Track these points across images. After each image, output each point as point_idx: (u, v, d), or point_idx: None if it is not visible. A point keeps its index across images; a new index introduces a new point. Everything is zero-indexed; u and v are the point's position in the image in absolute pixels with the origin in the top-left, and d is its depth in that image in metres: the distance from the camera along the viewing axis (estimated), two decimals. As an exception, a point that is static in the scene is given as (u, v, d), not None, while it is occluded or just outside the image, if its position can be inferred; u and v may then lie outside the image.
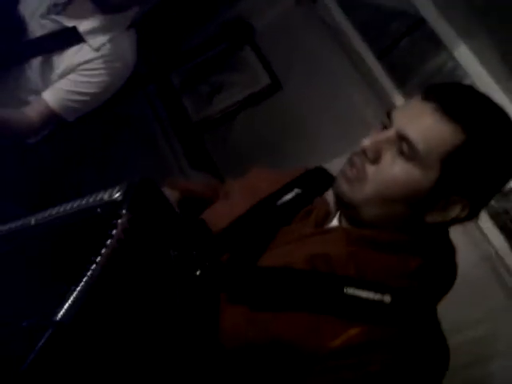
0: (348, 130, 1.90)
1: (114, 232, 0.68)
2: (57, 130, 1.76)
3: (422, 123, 0.80)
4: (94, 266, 0.66)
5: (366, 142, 0.83)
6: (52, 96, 1.58)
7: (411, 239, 0.86)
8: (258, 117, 2.33)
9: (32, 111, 1.57)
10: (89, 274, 0.65)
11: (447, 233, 0.91)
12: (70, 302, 0.63)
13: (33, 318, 0.63)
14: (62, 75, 1.59)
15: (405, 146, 0.80)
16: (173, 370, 0.71)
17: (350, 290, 0.79)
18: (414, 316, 0.80)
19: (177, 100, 2.42)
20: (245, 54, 2.42)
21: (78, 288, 0.64)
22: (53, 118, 1.60)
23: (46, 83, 1.60)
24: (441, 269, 0.88)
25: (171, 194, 1.06)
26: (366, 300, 0.78)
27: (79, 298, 0.63)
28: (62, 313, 0.62)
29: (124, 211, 0.70)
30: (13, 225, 0.87)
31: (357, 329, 0.76)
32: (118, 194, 0.72)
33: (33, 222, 0.83)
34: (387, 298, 0.79)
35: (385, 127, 0.85)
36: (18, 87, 1.61)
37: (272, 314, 0.79)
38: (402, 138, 0.81)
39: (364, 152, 0.84)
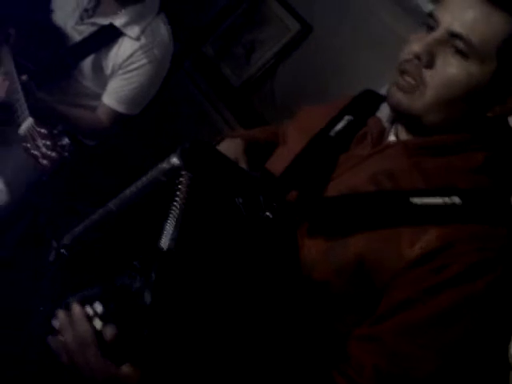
0: (384, 51, 1.86)
1: (179, 192, 0.73)
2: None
3: (469, 17, 0.77)
4: (175, 203, 0.72)
5: (417, 47, 0.81)
6: (111, 99, 1.68)
7: (473, 136, 0.85)
8: (297, 64, 2.31)
9: (101, 114, 1.69)
10: (172, 212, 0.71)
11: (506, 122, 0.89)
12: (166, 232, 0.69)
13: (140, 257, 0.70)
14: (112, 74, 1.67)
15: (459, 43, 0.78)
16: (265, 306, 0.76)
17: (417, 200, 0.79)
18: (488, 210, 0.80)
19: (215, 70, 2.45)
20: (268, 6, 2.39)
21: (169, 221, 0.70)
22: (120, 117, 1.71)
23: (101, 86, 1.70)
24: (508, 157, 0.86)
25: (235, 143, 1.07)
26: (435, 206, 0.79)
27: (174, 227, 0.70)
28: (163, 242, 0.69)
29: (183, 172, 0.75)
30: (97, 214, 0.95)
31: (432, 233, 0.77)
32: (174, 159, 0.77)
33: (112, 206, 0.91)
34: (456, 199, 0.78)
35: (430, 29, 0.82)
36: (75, 94, 1.71)
37: (349, 237, 0.81)
38: (453, 35, 0.79)
39: (417, 57, 0.81)
